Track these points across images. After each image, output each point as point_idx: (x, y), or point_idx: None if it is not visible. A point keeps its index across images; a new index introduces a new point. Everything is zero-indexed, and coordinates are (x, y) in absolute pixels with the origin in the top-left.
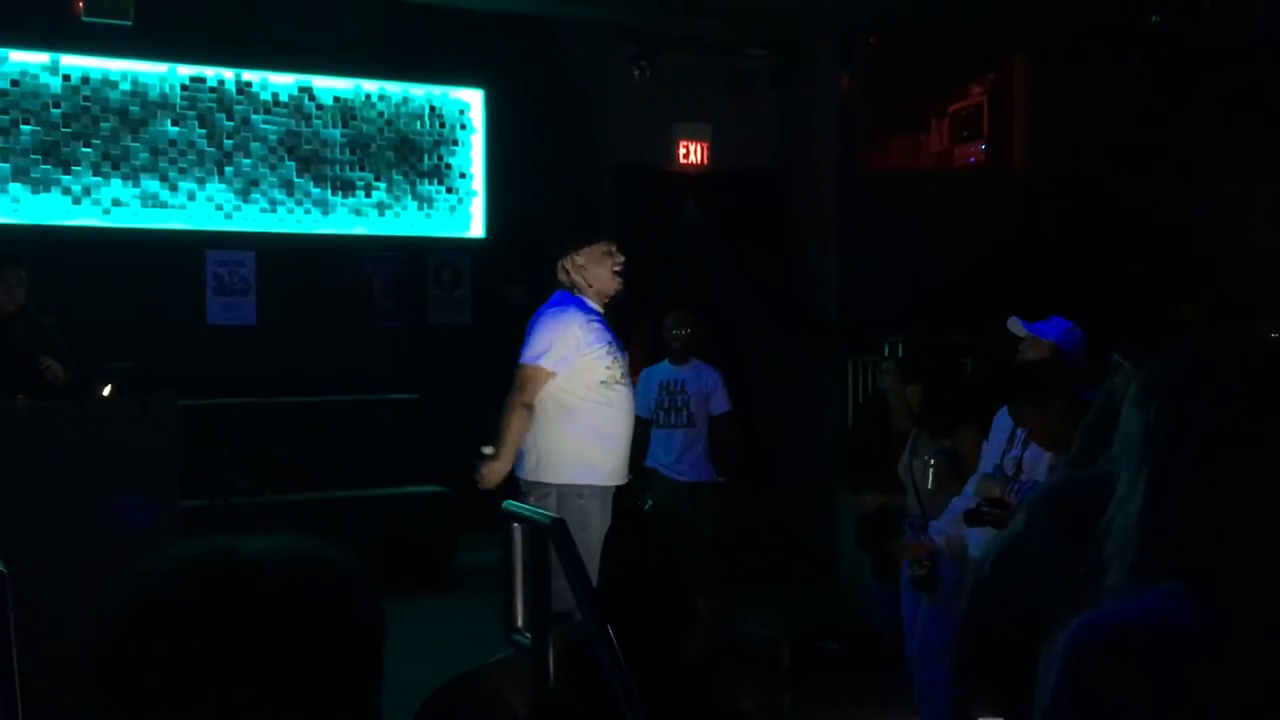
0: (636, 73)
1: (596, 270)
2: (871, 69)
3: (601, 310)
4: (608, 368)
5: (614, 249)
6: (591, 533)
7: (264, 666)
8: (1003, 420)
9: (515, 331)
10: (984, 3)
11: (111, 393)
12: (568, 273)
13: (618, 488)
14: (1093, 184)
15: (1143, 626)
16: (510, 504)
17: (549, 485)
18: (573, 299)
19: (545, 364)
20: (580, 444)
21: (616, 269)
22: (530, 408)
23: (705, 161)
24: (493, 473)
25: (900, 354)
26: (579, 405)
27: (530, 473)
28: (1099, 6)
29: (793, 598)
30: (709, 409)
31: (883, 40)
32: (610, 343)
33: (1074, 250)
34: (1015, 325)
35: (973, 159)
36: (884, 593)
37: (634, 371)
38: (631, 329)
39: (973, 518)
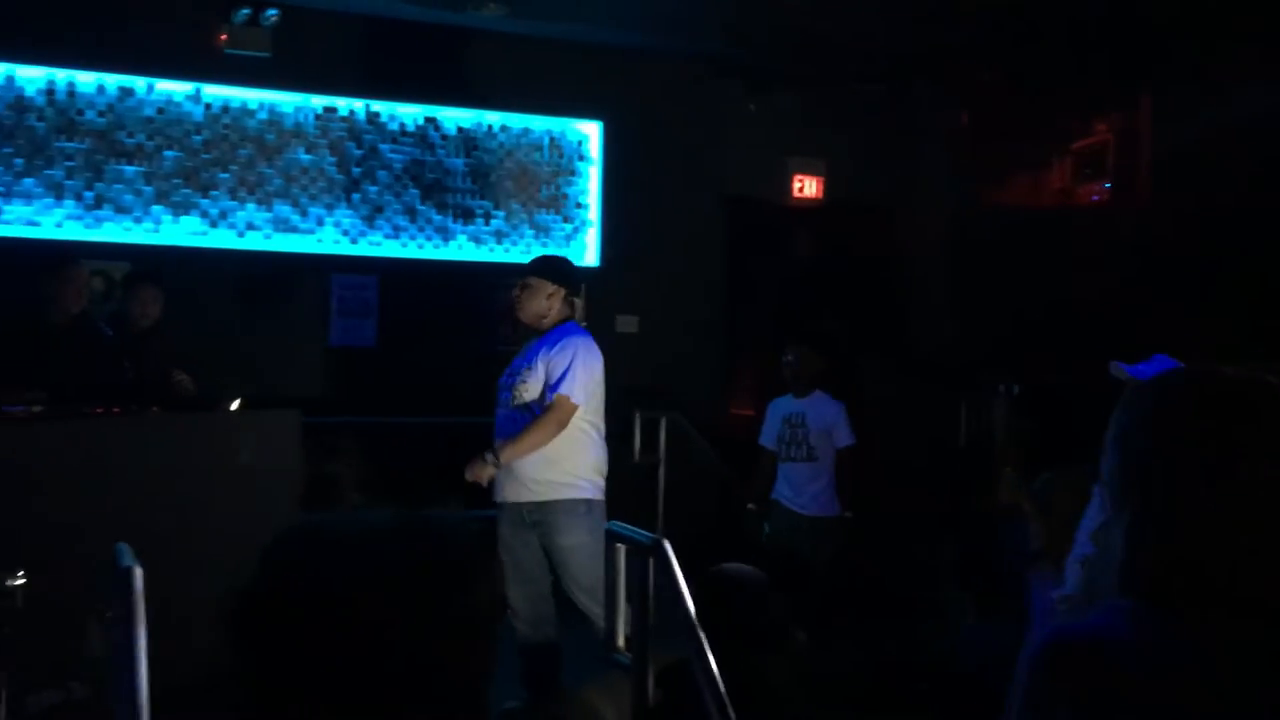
0: (751, 107)
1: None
2: (989, 104)
3: (535, 333)
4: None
5: (519, 281)
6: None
7: (376, 636)
8: None
9: (625, 360)
10: (1106, 41)
11: (239, 407)
12: None
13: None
14: (1220, 224)
15: (1086, 638)
16: (614, 525)
17: None
18: None
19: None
20: None
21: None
22: None
23: (820, 195)
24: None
25: (1014, 392)
26: None
27: None
28: (1225, 42)
29: (890, 635)
30: (832, 442)
31: (1005, 75)
32: (511, 368)
33: (1197, 292)
34: (1118, 370)
35: (1096, 198)
36: (981, 634)
37: (745, 402)
38: (741, 359)
39: None
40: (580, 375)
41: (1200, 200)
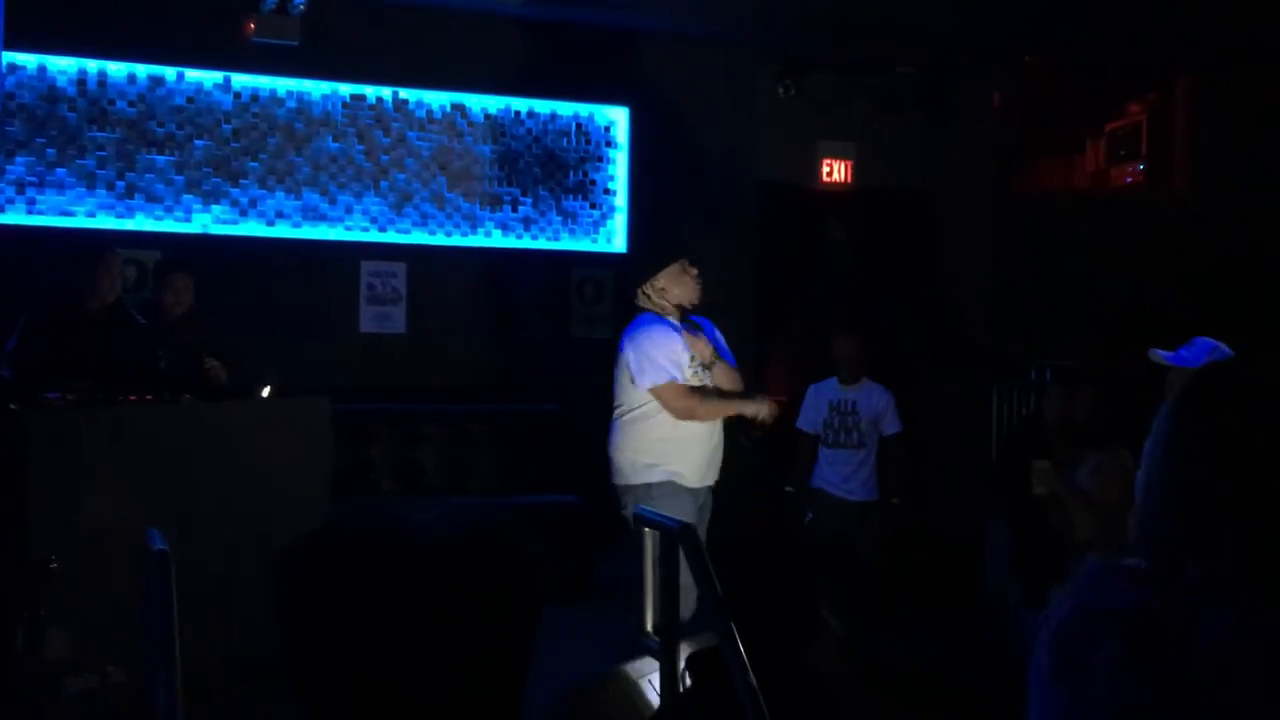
0: (781, 91)
1: (676, 288)
2: (1024, 87)
3: (681, 320)
4: (695, 375)
5: (688, 263)
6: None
7: (421, 624)
8: None
9: None
10: (1152, 18)
11: (270, 394)
12: (649, 297)
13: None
14: (1258, 207)
15: (1109, 609)
16: (641, 509)
17: (636, 486)
18: (658, 319)
19: (681, 378)
20: (661, 446)
21: (696, 279)
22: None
23: (849, 180)
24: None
25: (1049, 378)
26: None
27: (626, 476)
28: (1269, 20)
29: (933, 623)
30: (879, 429)
31: (1038, 58)
32: (690, 353)
33: (1238, 275)
34: (1156, 357)
35: (1130, 180)
36: (1032, 622)
37: (778, 388)
38: (773, 344)
39: None
40: None
41: (1242, 183)
